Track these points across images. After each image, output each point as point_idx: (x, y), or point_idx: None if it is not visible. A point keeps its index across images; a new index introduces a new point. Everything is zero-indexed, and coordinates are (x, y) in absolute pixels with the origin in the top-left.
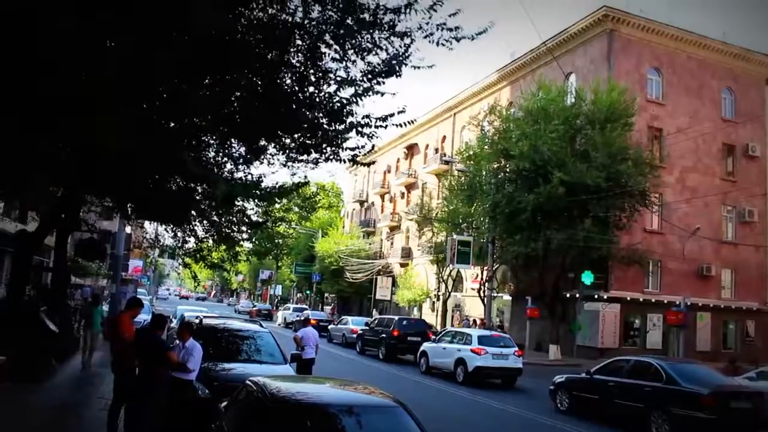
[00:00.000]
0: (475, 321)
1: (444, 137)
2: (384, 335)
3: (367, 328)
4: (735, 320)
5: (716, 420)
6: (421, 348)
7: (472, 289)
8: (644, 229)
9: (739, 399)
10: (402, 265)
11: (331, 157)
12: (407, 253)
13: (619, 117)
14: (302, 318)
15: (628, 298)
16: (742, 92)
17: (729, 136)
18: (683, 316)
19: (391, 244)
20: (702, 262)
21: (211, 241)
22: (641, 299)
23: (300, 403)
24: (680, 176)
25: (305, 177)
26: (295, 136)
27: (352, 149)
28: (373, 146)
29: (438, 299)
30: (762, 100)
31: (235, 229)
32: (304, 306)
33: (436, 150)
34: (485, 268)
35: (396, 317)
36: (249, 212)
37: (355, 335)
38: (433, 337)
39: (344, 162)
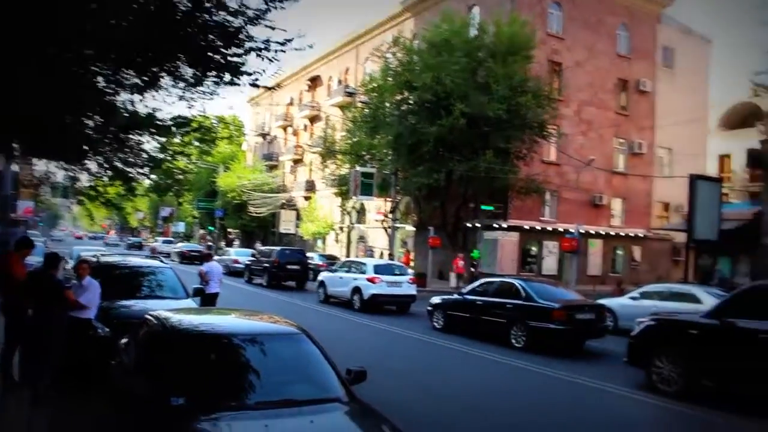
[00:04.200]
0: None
1: (347, 69)
2: (267, 265)
3: (253, 258)
4: (623, 246)
5: (564, 330)
6: (319, 277)
7: (376, 220)
8: (542, 160)
9: (583, 311)
10: (306, 198)
11: (230, 82)
12: (311, 186)
13: (520, 50)
14: (200, 251)
15: (526, 227)
16: (636, 29)
17: (623, 71)
18: (576, 242)
19: (295, 177)
20: (595, 192)
21: (106, 178)
22: (538, 227)
23: (202, 334)
24: (577, 109)
25: (203, 109)
26: (191, 60)
27: (251, 74)
28: (277, 70)
29: (342, 231)
30: (654, 37)
31: (131, 162)
32: (172, 239)
33: (340, 82)
34: (388, 199)
35: (277, 248)
36: (146, 146)
37: (237, 265)
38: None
39: (244, 85)
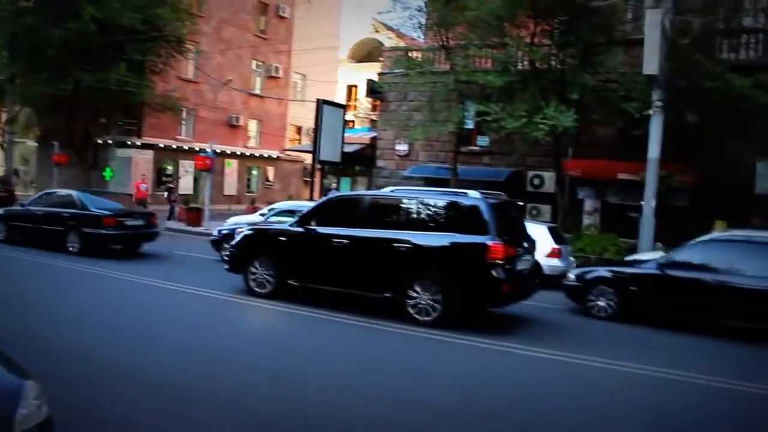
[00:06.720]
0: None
1: None
2: None
3: None
4: (258, 166)
5: (115, 234)
6: None
7: None
8: (179, 77)
9: (133, 218)
10: None
11: None
12: None
13: None
14: None
15: (162, 145)
16: None
17: None
18: (211, 161)
19: None
20: (232, 113)
21: None
22: (174, 146)
23: None
24: (217, 27)
25: None
26: None
27: None
28: None
29: None
30: None
31: None
32: None
33: None
34: (4, 109)
35: None
36: None
37: None
38: None
39: None
